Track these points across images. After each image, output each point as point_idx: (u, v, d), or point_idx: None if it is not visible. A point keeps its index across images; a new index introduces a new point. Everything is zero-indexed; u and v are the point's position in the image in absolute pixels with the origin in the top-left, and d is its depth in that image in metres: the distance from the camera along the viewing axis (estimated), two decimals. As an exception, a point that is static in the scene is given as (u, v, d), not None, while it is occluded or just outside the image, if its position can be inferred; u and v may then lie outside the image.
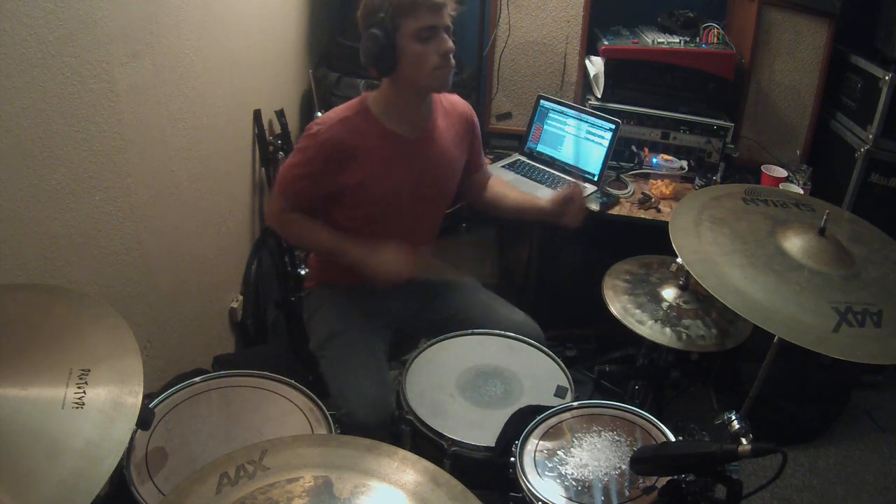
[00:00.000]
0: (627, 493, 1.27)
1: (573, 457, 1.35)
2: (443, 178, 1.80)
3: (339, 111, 1.68)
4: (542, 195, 2.31)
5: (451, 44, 1.57)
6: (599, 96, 2.55)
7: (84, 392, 0.93)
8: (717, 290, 1.32)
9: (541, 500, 1.25)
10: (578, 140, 2.47)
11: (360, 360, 1.66)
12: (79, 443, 0.88)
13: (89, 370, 0.96)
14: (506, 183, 2.06)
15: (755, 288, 1.32)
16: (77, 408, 0.91)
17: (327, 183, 1.67)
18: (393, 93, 1.65)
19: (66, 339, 1.01)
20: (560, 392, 1.57)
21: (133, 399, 0.95)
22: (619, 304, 1.73)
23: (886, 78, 2.19)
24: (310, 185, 1.69)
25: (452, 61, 1.59)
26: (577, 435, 1.40)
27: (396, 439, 1.52)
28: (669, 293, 1.77)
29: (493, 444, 1.40)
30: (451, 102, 1.82)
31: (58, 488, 0.83)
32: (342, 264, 1.73)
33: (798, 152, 2.54)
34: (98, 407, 0.92)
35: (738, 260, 1.38)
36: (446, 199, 1.87)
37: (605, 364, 2.43)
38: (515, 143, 2.64)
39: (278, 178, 1.75)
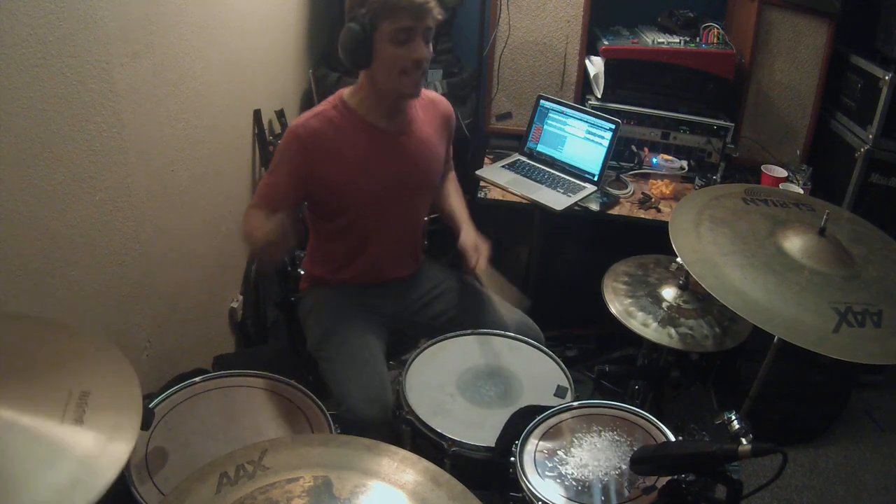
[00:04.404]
0: (627, 493, 1.27)
1: (573, 457, 1.35)
2: (425, 169, 1.79)
3: (315, 108, 1.67)
4: (542, 196, 2.32)
5: (424, 52, 1.56)
6: (599, 96, 2.55)
7: (84, 411, 0.93)
8: (717, 290, 1.32)
9: (541, 500, 1.25)
10: (578, 140, 2.47)
11: (357, 357, 1.66)
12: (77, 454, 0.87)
13: (89, 392, 0.96)
14: (455, 185, 2.01)
15: (755, 288, 1.32)
16: (76, 424, 0.91)
17: (307, 180, 1.63)
18: (370, 86, 1.64)
19: (66, 367, 1.01)
20: (560, 392, 1.57)
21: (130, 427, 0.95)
22: (619, 305, 1.73)
23: (886, 78, 2.19)
24: (290, 185, 1.63)
25: (424, 68, 1.58)
26: (577, 435, 1.40)
27: (396, 439, 1.52)
28: (669, 293, 1.77)
29: (493, 444, 1.40)
30: (432, 98, 1.82)
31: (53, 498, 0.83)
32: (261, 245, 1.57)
33: (798, 152, 2.54)
34: (96, 426, 0.92)
35: (738, 260, 1.38)
36: (428, 193, 1.86)
37: (605, 364, 2.43)
38: (515, 143, 2.64)
39: (259, 189, 1.68)
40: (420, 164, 1.76)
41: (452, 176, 2.01)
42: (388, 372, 1.70)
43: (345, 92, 1.69)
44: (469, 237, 1.79)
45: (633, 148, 2.54)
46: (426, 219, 1.91)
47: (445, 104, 1.85)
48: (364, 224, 1.73)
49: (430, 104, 1.80)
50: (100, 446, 0.90)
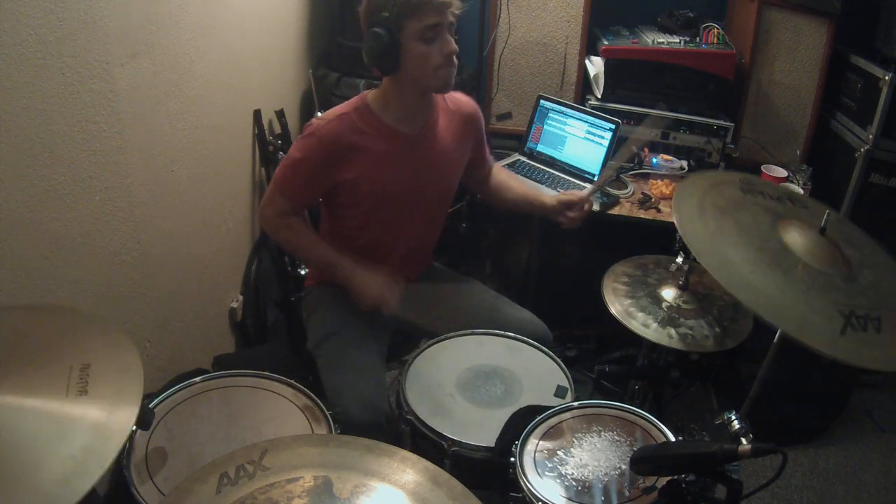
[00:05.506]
0: (627, 493, 1.27)
1: (573, 457, 1.35)
2: (441, 176, 1.79)
3: (337, 109, 1.68)
4: (547, 194, 2.32)
5: (454, 45, 1.58)
6: (599, 96, 2.55)
7: (87, 382, 0.96)
8: (729, 283, 1.26)
9: (541, 501, 1.25)
10: (578, 140, 2.47)
11: (355, 359, 1.66)
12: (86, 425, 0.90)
13: (90, 364, 0.98)
14: (509, 172, 2.08)
15: (767, 284, 1.27)
16: (80, 395, 0.93)
17: (326, 179, 1.66)
18: (394, 91, 1.65)
19: (62, 347, 1.02)
20: (560, 392, 1.57)
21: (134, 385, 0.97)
22: (619, 305, 1.73)
23: (886, 78, 2.19)
24: (309, 182, 1.67)
25: (455, 62, 1.60)
26: (577, 435, 1.40)
27: (396, 439, 1.52)
28: (669, 293, 1.76)
29: (493, 444, 1.40)
30: (456, 101, 1.81)
31: (66, 467, 0.85)
32: (332, 279, 1.73)
33: (798, 152, 2.54)
34: (101, 393, 0.95)
35: (745, 254, 1.32)
36: (446, 200, 1.87)
37: (605, 364, 2.43)
38: (515, 143, 2.64)
39: (276, 177, 1.71)
40: (437, 172, 1.77)
41: (499, 167, 2.05)
42: (386, 377, 1.70)
43: (369, 95, 1.69)
44: (556, 196, 1.87)
45: (633, 148, 2.54)
46: (442, 223, 1.92)
47: (469, 104, 1.84)
48: (378, 227, 1.74)
49: (455, 109, 1.80)
50: (107, 412, 0.92)
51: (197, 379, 1.45)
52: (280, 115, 2.32)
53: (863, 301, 1.29)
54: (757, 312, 1.23)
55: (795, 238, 1.39)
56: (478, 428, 1.45)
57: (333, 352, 1.69)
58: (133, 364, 1.01)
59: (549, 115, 2.53)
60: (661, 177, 2.46)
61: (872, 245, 1.51)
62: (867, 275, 1.38)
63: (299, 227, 1.73)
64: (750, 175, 1.64)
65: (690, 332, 1.66)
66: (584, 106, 2.53)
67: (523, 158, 2.56)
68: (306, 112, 2.65)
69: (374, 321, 1.77)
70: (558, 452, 1.36)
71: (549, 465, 1.33)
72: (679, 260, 1.78)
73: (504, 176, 2.02)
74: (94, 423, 0.90)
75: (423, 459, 1.02)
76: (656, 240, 2.02)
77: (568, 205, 1.82)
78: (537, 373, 1.63)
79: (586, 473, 1.32)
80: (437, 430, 1.44)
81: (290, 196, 1.69)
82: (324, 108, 2.38)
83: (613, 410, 1.47)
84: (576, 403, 1.48)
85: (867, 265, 1.41)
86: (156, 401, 1.37)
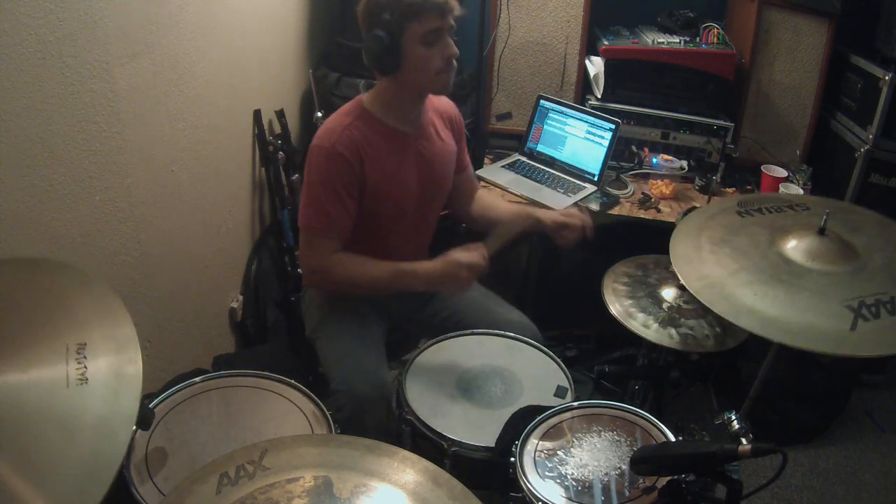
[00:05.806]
0: (627, 493, 1.27)
1: (573, 457, 1.35)
2: (442, 172, 1.80)
3: (338, 120, 1.65)
4: (542, 196, 2.32)
5: (455, 49, 1.58)
6: (599, 96, 2.55)
7: (85, 367, 0.93)
8: (730, 313, 1.28)
9: (541, 501, 1.25)
10: (578, 140, 2.47)
11: (355, 336, 1.68)
12: (90, 419, 0.88)
13: (86, 344, 0.95)
14: (494, 195, 2.04)
15: (766, 304, 1.28)
16: (81, 384, 0.91)
17: (354, 191, 1.62)
18: (391, 92, 1.65)
19: (55, 314, 1.00)
20: (560, 392, 1.57)
21: (133, 367, 0.95)
22: (619, 306, 1.73)
23: (886, 78, 2.19)
24: (343, 200, 1.61)
25: (455, 65, 1.60)
26: (577, 435, 1.40)
27: (397, 439, 1.53)
28: (669, 293, 1.76)
29: (493, 445, 1.40)
30: (439, 101, 1.82)
31: (78, 468, 0.83)
32: (406, 289, 1.67)
33: (798, 152, 2.54)
34: (102, 381, 0.92)
35: (744, 278, 1.35)
36: (445, 194, 1.87)
37: (605, 364, 2.43)
38: (515, 143, 2.64)
39: (304, 221, 1.63)
40: (437, 168, 1.77)
41: (485, 190, 1.99)
42: (384, 355, 1.70)
43: (364, 98, 1.69)
44: (552, 213, 1.80)
45: (633, 148, 2.54)
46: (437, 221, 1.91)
47: (450, 104, 1.86)
48: (382, 227, 1.74)
49: (440, 108, 1.81)
50: (109, 404, 0.90)
51: (197, 379, 1.45)
52: (280, 115, 2.32)
53: (874, 287, 1.30)
54: (763, 336, 1.24)
55: (795, 247, 1.40)
56: (478, 428, 1.45)
57: (332, 330, 1.71)
58: (128, 339, 0.98)
59: (549, 115, 2.53)
60: (661, 177, 2.46)
61: (882, 223, 1.51)
62: (878, 258, 1.38)
63: (350, 259, 1.64)
64: (747, 195, 1.65)
65: (691, 332, 1.66)
66: (584, 106, 2.53)
67: (523, 158, 2.56)
68: (306, 112, 2.64)
69: (370, 313, 1.78)
70: (558, 452, 1.36)
71: (549, 465, 1.33)
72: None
73: (491, 197, 2.00)
74: (98, 419, 0.88)
75: (423, 459, 1.02)
76: (656, 240, 2.02)
77: (565, 226, 1.76)
78: (537, 373, 1.63)
79: (586, 473, 1.32)
80: (437, 430, 1.44)
81: (328, 227, 1.62)
82: (324, 108, 2.39)
83: (613, 410, 1.47)
84: (576, 403, 1.48)
85: (877, 247, 1.41)
86: (156, 401, 1.37)
